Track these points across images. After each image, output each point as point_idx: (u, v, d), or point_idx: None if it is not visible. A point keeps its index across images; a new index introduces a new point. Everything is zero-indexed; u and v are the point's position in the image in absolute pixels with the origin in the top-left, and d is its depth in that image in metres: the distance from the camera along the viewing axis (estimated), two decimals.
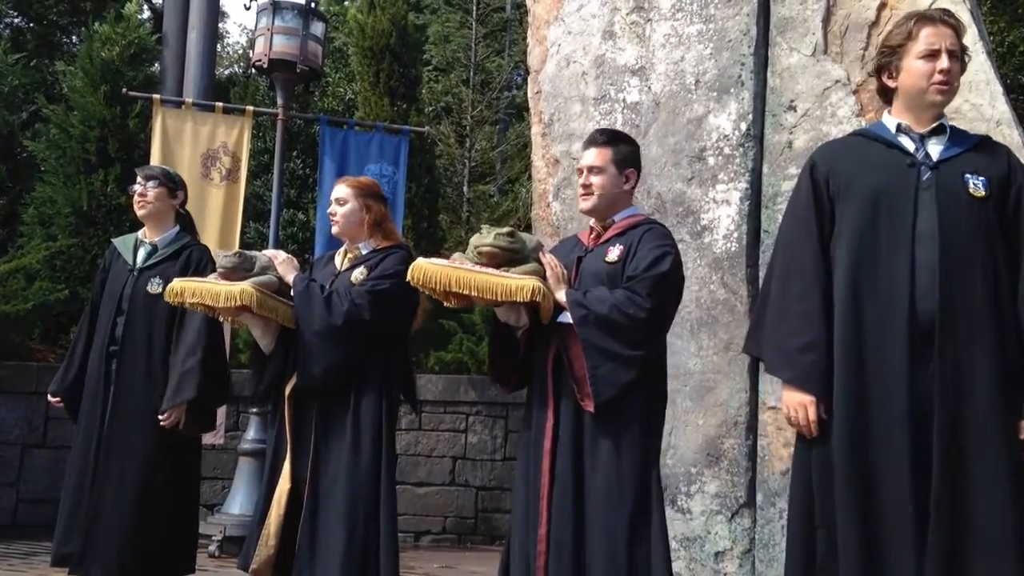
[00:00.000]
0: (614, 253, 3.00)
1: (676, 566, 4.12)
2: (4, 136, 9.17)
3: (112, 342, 3.75)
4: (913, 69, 2.55)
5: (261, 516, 3.35)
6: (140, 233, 3.91)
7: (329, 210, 3.55)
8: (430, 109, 11.59)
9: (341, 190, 3.54)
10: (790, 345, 2.54)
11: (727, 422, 4.11)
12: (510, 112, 13.42)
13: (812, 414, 2.48)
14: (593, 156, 3.10)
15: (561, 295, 2.93)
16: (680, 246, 4.27)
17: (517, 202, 11.23)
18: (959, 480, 2.34)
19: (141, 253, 3.84)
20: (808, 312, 2.52)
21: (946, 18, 2.57)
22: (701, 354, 4.19)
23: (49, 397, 3.92)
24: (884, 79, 2.63)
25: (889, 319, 2.42)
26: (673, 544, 4.15)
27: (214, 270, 3.80)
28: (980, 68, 3.84)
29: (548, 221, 4.65)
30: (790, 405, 2.53)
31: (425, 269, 2.94)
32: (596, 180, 3.08)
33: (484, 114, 12.07)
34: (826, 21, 4.16)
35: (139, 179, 3.86)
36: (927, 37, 2.52)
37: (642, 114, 4.46)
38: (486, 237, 2.98)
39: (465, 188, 11.64)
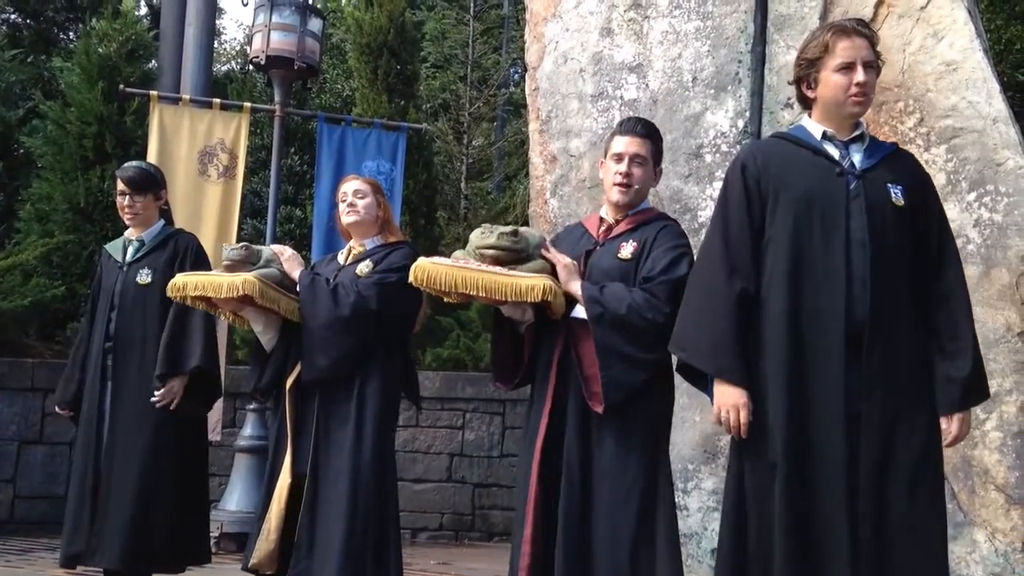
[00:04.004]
0: (627, 250, 2.89)
1: None
2: (1, 132, 9.15)
3: (107, 338, 3.78)
4: (831, 82, 2.59)
5: (262, 511, 3.37)
6: (127, 233, 3.95)
7: (348, 200, 3.51)
8: (428, 106, 11.57)
9: (358, 184, 3.56)
10: (729, 342, 2.53)
11: None
12: (508, 109, 13.42)
13: (744, 416, 2.49)
14: (638, 145, 2.97)
15: (576, 287, 2.83)
16: None
17: (515, 199, 11.22)
18: (884, 478, 2.41)
19: (130, 250, 3.88)
20: (742, 312, 2.53)
21: (860, 29, 2.61)
22: None
23: (57, 410, 3.96)
24: (803, 89, 2.68)
25: (826, 325, 2.46)
26: None
27: (201, 254, 3.88)
28: (977, 66, 3.85)
29: (546, 218, 4.65)
30: (723, 405, 2.52)
31: (428, 269, 2.85)
32: (638, 171, 2.95)
33: (482, 111, 12.05)
34: (823, 18, 4.15)
35: (122, 186, 3.85)
36: (843, 50, 2.56)
37: (639, 111, 4.46)
38: (488, 237, 2.87)
39: (463, 185, 11.63)
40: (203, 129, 6.37)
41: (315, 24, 6.55)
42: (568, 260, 2.90)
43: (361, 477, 3.26)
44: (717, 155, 4.27)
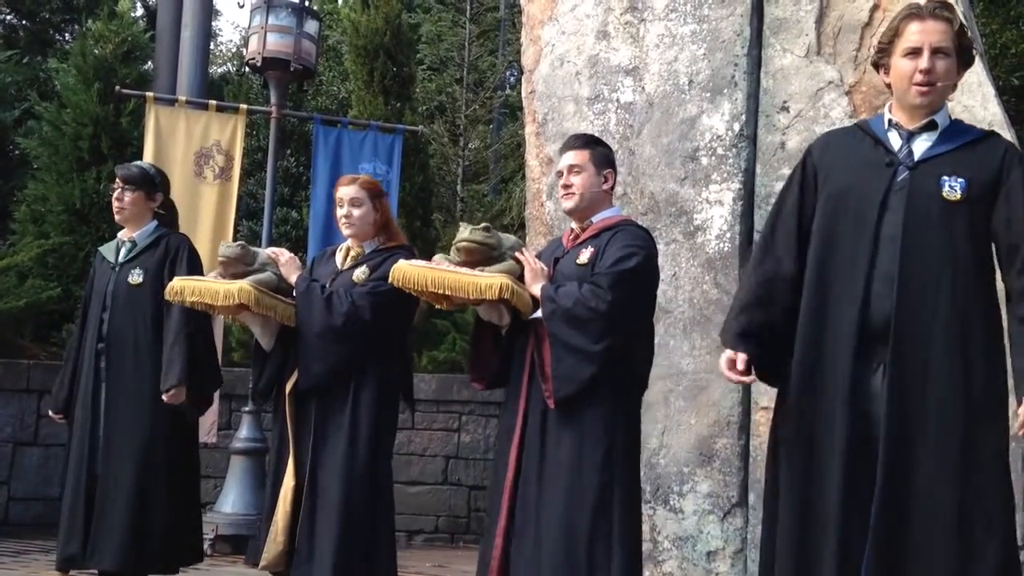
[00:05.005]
0: (585, 255, 3.03)
1: (668, 566, 4.14)
2: None
3: (100, 339, 3.78)
4: (898, 68, 2.46)
5: (268, 513, 3.39)
6: (120, 234, 3.96)
7: (344, 211, 3.47)
8: (424, 108, 11.58)
9: (354, 190, 3.47)
10: (735, 309, 2.62)
11: (720, 422, 4.12)
12: (504, 111, 13.42)
13: (735, 373, 2.53)
14: (572, 157, 3.16)
15: (537, 289, 2.98)
16: (673, 246, 4.31)
17: (511, 201, 11.23)
18: (902, 476, 2.36)
19: (122, 251, 3.89)
20: (765, 291, 2.56)
21: (938, 12, 2.44)
22: (694, 354, 4.20)
23: (51, 415, 3.96)
24: (882, 75, 2.57)
25: (840, 320, 2.43)
26: (665, 543, 4.16)
27: (193, 254, 3.87)
28: (972, 70, 3.82)
29: (542, 220, 4.65)
30: (722, 366, 2.59)
31: (404, 271, 3.03)
32: (577, 180, 3.12)
33: (478, 113, 12.06)
34: (819, 22, 4.17)
35: (118, 181, 3.88)
36: (911, 35, 2.42)
37: (636, 114, 4.47)
38: (463, 232, 3.06)
39: (459, 187, 11.63)
40: (199, 131, 6.36)
41: (311, 26, 6.54)
42: (539, 265, 3.06)
43: (354, 483, 3.27)
44: (713, 158, 4.28)
